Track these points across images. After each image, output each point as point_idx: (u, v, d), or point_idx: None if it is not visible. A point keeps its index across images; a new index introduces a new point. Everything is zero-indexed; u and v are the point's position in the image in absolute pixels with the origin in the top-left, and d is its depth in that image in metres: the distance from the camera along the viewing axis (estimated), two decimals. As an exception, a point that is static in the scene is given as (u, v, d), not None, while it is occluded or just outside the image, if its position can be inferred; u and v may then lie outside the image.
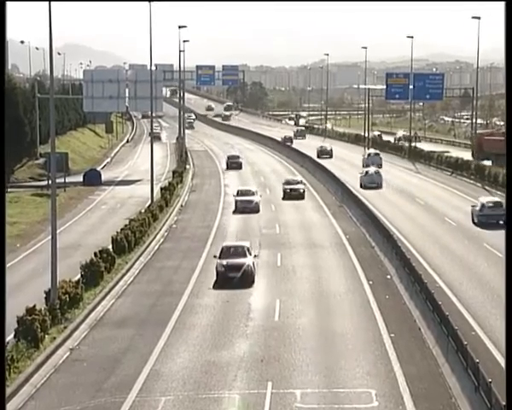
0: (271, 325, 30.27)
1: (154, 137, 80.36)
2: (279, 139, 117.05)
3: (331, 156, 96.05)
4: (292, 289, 35.67)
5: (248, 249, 36.88)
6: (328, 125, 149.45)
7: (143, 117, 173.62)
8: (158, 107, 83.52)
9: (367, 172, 70.22)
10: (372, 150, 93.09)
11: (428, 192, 66.08)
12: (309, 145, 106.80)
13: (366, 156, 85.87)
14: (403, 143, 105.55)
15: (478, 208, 50.42)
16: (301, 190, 64.26)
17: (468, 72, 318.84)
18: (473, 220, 50.67)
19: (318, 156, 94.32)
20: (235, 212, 57.89)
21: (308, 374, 24.92)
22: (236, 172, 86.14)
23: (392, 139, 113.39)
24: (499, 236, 41.90)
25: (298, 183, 66.22)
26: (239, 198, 58.77)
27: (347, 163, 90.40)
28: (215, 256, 37.71)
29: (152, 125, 69.78)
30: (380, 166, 79.77)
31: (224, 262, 36.38)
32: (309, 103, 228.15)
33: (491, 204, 50.11)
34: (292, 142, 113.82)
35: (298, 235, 48.95)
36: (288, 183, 65.88)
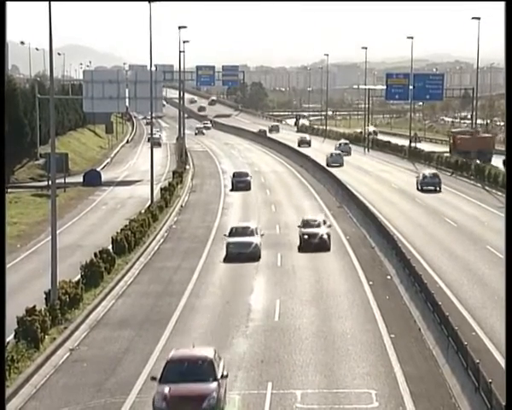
0: (271, 325, 30.26)
1: (154, 143, 79.11)
2: (284, 142, 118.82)
3: (309, 145, 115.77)
4: (292, 289, 35.66)
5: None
6: (371, 128, 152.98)
7: (143, 118, 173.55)
8: (158, 107, 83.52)
9: (332, 154, 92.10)
10: (343, 140, 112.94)
11: (428, 192, 66.00)
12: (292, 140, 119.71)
13: (338, 145, 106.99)
14: (373, 136, 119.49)
15: (421, 178, 68.30)
16: (325, 236, 43.83)
17: (468, 72, 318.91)
18: (417, 188, 67.76)
19: (299, 145, 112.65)
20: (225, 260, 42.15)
21: (308, 374, 24.92)
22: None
23: (391, 140, 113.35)
24: (433, 197, 63.09)
25: (319, 225, 45.03)
26: (232, 240, 42.03)
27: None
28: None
29: (152, 126, 69.78)
30: (348, 153, 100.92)
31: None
32: (309, 104, 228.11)
33: (430, 175, 69.06)
34: (266, 134, 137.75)
35: (298, 236, 48.84)
36: (305, 224, 45.19)
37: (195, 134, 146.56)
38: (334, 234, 49.11)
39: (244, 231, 42.85)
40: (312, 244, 43.25)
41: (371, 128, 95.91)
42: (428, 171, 72.62)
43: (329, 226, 45.72)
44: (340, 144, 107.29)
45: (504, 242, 22.82)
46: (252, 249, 41.59)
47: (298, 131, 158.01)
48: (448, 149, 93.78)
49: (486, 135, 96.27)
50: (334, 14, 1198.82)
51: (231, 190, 70.24)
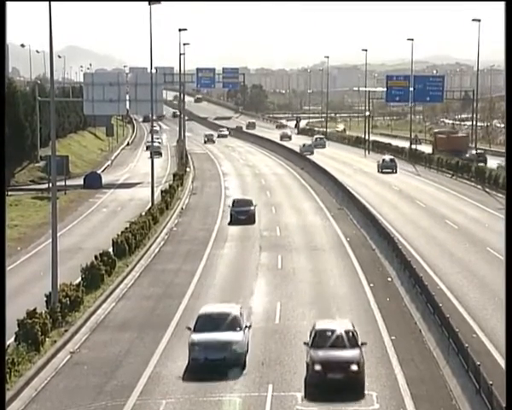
0: (272, 327, 30.25)
1: (155, 153, 77.01)
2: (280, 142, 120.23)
3: (290, 139, 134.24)
4: (292, 291, 35.65)
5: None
6: (341, 127, 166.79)
7: (144, 121, 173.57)
8: (158, 110, 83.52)
9: (304, 145, 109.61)
10: (318, 136, 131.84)
11: (429, 194, 66.11)
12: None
13: (314, 140, 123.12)
14: (343, 133, 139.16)
15: (381, 162, 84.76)
16: (354, 368, 23.86)
17: (468, 74, 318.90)
18: (378, 170, 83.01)
19: (281, 139, 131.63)
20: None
21: (309, 377, 24.85)
22: (237, 174, 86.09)
23: (393, 142, 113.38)
24: (391, 176, 78.10)
25: (343, 342, 24.78)
26: (198, 338, 26.23)
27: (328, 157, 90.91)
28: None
29: (152, 128, 69.75)
30: (323, 146, 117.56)
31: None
32: (309, 106, 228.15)
33: (388, 160, 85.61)
34: (242, 129, 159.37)
35: (298, 237, 48.93)
36: (320, 340, 24.81)
37: (204, 142, 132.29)
38: (335, 236, 49.16)
39: (219, 322, 26.20)
40: (332, 382, 23.65)
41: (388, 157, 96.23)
42: (387, 156, 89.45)
43: (362, 345, 24.67)
44: (316, 139, 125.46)
45: (504, 243, 22.80)
46: (229, 355, 25.36)
47: (298, 133, 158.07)
48: (431, 149, 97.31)
49: (461, 135, 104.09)
50: (335, 17, 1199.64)
51: (229, 223, 53.48)
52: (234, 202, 55.95)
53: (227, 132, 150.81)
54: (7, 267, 40.89)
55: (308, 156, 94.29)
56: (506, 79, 25.23)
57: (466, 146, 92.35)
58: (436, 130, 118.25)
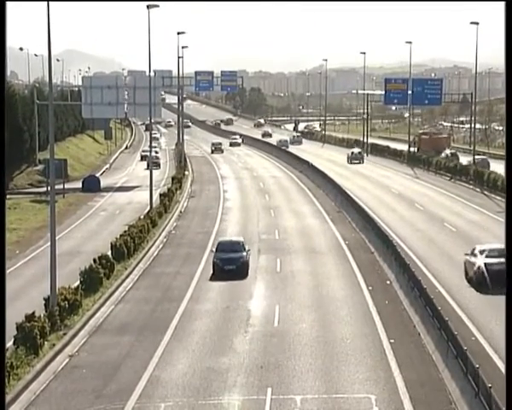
0: (271, 330, 30.24)
1: (154, 164, 74.91)
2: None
3: (271, 136, 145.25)
4: (291, 294, 35.65)
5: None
6: (317, 127, 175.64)
7: (146, 129, 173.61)
8: (157, 113, 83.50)
9: (280, 140, 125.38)
10: (295, 133, 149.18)
11: (427, 197, 66.12)
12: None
13: (292, 137, 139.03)
14: (311, 130, 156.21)
15: (350, 155, 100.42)
16: None
17: (466, 77, 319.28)
18: (347, 162, 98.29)
19: (263, 137, 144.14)
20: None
21: (308, 380, 24.89)
22: (236, 177, 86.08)
23: (392, 145, 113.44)
24: (390, 179, 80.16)
25: None
26: None
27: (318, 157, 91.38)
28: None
29: (151, 132, 69.73)
30: (300, 143, 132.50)
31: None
32: (308, 109, 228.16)
33: (356, 152, 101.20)
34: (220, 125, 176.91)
35: (297, 240, 48.93)
36: None
37: (212, 152, 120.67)
38: (334, 239, 49.16)
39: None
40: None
41: (357, 149, 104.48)
42: (356, 149, 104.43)
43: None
44: (293, 136, 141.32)
45: (505, 244, 22.81)
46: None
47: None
48: (416, 149, 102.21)
49: (442, 136, 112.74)
50: (333, 20, 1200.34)
51: (212, 276, 39.41)
52: (219, 245, 40.30)
53: (240, 140, 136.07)
54: (6, 270, 40.95)
55: (305, 159, 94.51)
56: (506, 78, 25.23)
57: (447, 146, 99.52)
58: (420, 131, 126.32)
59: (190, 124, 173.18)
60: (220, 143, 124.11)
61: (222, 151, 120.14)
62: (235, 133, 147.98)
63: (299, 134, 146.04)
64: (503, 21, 25.35)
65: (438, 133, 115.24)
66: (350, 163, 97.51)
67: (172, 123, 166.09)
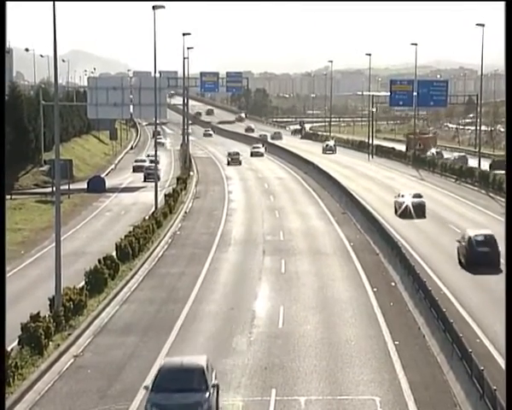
0: (275, 332, 30.24)
1: (150, 175, 73.83)
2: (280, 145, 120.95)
3: (253, 131, 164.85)
4: (296, 296, 35.64)
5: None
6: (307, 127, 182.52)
7: (148, 124, 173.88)
8: (162, 114, 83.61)
9: (260, 135, 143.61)
10: (276, 129, 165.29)
11: (433, 199, 66.01)
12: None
13: (273, 133, 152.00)
14: (302, 126, 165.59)
15: (324, 146, 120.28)
16: None
17: (472, 79, 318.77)
18: (322, 152, 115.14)
19: (246, 131, 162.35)
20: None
21: (312, 381, 24.89)
22: (241, 178, 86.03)
23: (397, 146, 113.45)
24: (395, 181, 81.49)
25: None
26: None
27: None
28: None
29: (156, 132, 69.84)
30: (280, 138, 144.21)
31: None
32: (313, 110, 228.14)
33: (330, 144, 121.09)
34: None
35: (302, 242, 48.92)
36: None
37: (228, 163, 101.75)
38: (339, 240, 49.14)
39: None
40: None
41: (331, 142, 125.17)
42: (330, 142, 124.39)
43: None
44: (274, 132, 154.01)
45: (505, 246, 22.80)
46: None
47: (302, 137, 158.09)
48: (405, 147, 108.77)
49: (428, 136, 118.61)
50: (338, 21, 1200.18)
51: None
52: (158, 376, 22.02)
53: (263, 149, 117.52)
54: (11, 271, 41.02)
55: (310, 160, 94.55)
56: (506, 78, 25.22)
57: (434, 145, 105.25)
58: (408, 132, 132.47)
59: (212, 132, 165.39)
60: (237, 154, 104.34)
61: (240, 163, 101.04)
62: (249, 137, 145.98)
63: (279, 131, 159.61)
64: (504, 20, 25.35)
65: (424, 133, 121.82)
66: (324, 153, 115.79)
67: (211, 132, 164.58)
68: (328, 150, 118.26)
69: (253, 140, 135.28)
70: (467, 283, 37.28)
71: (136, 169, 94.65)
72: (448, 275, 38.54)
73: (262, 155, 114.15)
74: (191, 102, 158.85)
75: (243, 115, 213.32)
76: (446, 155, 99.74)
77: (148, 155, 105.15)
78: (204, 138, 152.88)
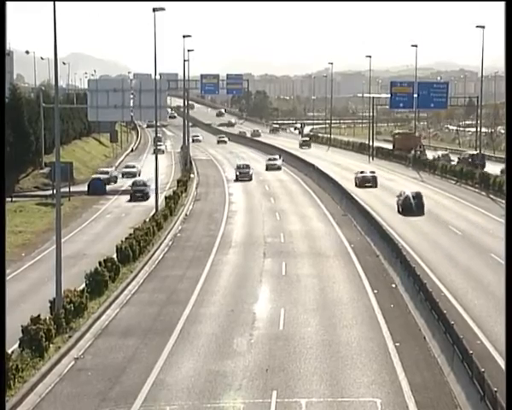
0: (276, 334, 30.24)
1: (139, 193, 66.59)
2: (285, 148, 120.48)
3: (233, 126, 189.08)
4: (296, 298, 35.63)
5: None
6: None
7: (148, 126, 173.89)
8: (162, 116, 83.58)
9: (239, 132, 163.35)
10: (255, 128, 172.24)
11: (432, 200, 66.01)
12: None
13: (253, 131, 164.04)
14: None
15: (300, 142, 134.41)
16: None
17: (472, 81, 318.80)
18: (299, 147, 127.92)
19: (224, 125, 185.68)
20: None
21: (313, 383, 24.88)
22: (241, 181, 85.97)
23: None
24: (396, 183, 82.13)
25: None
26: None
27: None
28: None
29: (156, 135, 69.82)
30: (259, 136, 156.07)
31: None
32: (313, 112, 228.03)
33: (305, 140, 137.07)
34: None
35: (302, 244, 48.92)
36: None
37: (236, 178, 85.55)
38: (339, 242, 49.14)
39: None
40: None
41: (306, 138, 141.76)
42: (304, 138, 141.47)
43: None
44: (253, 130, 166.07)
45: (504, 247, 22.80)
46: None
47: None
48: (392, 147, 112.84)
49: (413, 135, 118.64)
50: (339, 24, 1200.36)
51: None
52: None
53: (280, 162, 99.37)
54: (11, 274, 41.03)
55: (311, 162, 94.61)
56: (506, 79, 25.20)
57: (418, 144, 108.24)
58: (395, 131, 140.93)
59: (226, 139, 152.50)
60: (247, 167, 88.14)
61: (250, 178, 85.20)
62: (256, 141, 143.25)
63: (257, 129, 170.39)
64: (504, 20, 25.36)
65: (409, 133, 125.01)
66: (300, 148, 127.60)
67: (200, 138, 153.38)
68: (304, 146, 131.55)
69: (262, 146, 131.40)
70: (466, 284, 37.31)
71: (124, 175, 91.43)
72: (449, 277, 38.52)
73: (279, 168, 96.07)
74: (191, 104, 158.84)
75: (223, 111, 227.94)
76: (430, 154, 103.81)
77: (127, 166, 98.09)
78: (212, 143, 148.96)
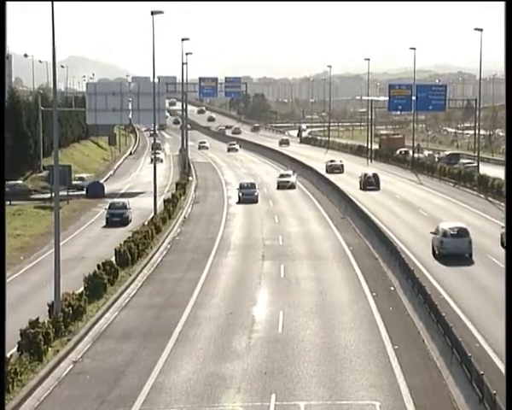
0: (275, 336, 30.22)
1: (118, 217, 58.32)
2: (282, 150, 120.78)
3: (214, 121, 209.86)
4: (295, 300, 35.63)
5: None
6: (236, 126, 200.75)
7: (147, 130, 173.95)
8: (161, 119, 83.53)
9: (218, 127, 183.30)
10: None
11: (431, 203, 66.08)
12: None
13: (233, 128, 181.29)
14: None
15: (280, 140, 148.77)
16: None
17: (470, 83, 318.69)
18: (279, 145, 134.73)
19: (208, 121, 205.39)
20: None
21: (312, 386, 24.87)
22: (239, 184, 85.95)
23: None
24: (394, 186, 73.26)
25: None
26: None
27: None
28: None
29: (155, 138, 69.86)
30: (239, 133, 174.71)
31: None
32: (312, 115, 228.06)
33: (286, 138, 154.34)
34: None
35: (301, 246, 48.93)
36: None
37: (239, 200, 70.95)
38: (338, 245, 49.14)
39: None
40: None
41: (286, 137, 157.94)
42: (284, 136, 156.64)
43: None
44: (234, 128, 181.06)
45: (505, 248, 22.81)
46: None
47: (301, 142, 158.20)
48: (378, 147, 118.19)
49: (397, 137, 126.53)
50: (337, 26, 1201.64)
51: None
52: None
53: (294, 178, 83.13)
54: (10, 277, 41.00)
55: (310, 165, 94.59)
56: (506, 79, 25.21)
57: (402, 145, 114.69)
58: (380, 132, 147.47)
59: (238, 147, 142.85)
60: (253, 186, 72.94)
61: (256, 201, 70.26)
62: (258, 145, 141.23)
63: (238, 126, 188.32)
64: (504, 20, 25.36)
65: (394, 134, 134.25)
66: (280, 146, 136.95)
67: (207, 144, 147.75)
68: (283, 144, 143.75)
69: (257, 147, 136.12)
70: (464, 286, 37.30)
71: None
72: (446, 278, 38.52)
73: (293, 186, 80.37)
74: (189, 107, 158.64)
75: (204, 108, 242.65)
76: (415, 154, 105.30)
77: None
78: (214, 148, 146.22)
